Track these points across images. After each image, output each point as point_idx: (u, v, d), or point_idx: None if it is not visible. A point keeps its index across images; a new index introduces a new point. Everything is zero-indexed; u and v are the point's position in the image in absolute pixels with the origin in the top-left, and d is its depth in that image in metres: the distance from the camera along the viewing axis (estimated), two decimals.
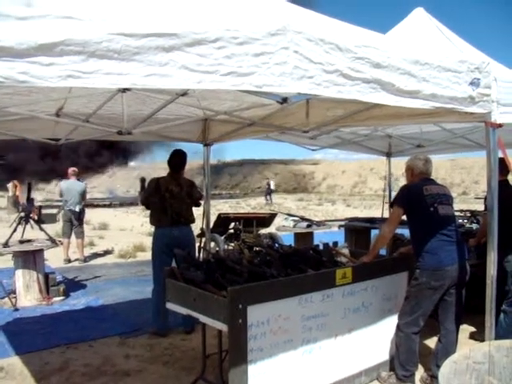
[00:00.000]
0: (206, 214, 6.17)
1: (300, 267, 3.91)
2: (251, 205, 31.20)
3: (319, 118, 4.36)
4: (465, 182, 46.04)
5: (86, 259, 10.26)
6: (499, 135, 3.33)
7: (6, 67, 1.56)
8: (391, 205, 3.99)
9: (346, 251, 4.62)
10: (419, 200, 3.88)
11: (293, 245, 7.54)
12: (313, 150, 6.97)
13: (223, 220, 9.50)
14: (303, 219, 9.80)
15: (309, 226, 9.02)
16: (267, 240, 8.02)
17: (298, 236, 8.85)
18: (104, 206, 31.25)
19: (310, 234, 8.76)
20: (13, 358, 4.69)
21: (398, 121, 3.94)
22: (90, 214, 17.66)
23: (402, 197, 3.96)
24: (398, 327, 3.93)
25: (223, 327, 3.17)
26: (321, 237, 6.24)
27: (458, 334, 3.98)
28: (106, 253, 11.63)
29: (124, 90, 3.31)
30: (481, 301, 3.43)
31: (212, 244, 8.94)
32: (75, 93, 3.73)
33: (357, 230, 8.57)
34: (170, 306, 3.76)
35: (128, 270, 9.32)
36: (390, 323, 4.08)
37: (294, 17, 2.27)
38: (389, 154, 7.55)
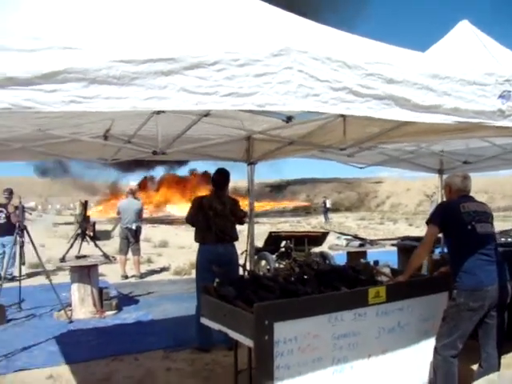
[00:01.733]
0: (250, 233, 6.22)
1: (334, 285, 3.88)
2: (312, 224, 30.94)
3: (356, 135, 4.32)
4: None
5: (142, 275, 10.58)
6: None
7: (12, 95, 1.73)
8: (427, 223, 3.89)
9: (387, 270, 4.53)
10: (456, 218, 3.76)
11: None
12: (360, 168, 6.91)
13: (274, 238, 9.55)
14: (356, 238, 9.69)
15: (361, 245, 8.92)
16: (318, 258, 8.00)
17: (351, 255, 8.73)
18: (166, 223, 32.07)
19: (364, 253, 8.62)
20: (62, 367, 4.95)
21: (432, 136, 3.86)
22: (151, 232, 18.20)
23: (437, 215, 3.85)
24: (436, 350, 3.78)
25: (250, 343, 3.20)
26: (375, 256, 6.11)
27: (500, 359, 3.78)
28: (163, 270, 11.92)
29: (158, 112, 3.46)
30: None
31: (263, 262, 9.01)
32: (120, 113, 3.91)
33: (408, 249, 8.33)
34: (203, 320, 3.83)
35: (181, 287, 9.47)
36: (428, 345, 3.92)
37: (299, 36, 2.31)
38: (441, 171, 7.33)
